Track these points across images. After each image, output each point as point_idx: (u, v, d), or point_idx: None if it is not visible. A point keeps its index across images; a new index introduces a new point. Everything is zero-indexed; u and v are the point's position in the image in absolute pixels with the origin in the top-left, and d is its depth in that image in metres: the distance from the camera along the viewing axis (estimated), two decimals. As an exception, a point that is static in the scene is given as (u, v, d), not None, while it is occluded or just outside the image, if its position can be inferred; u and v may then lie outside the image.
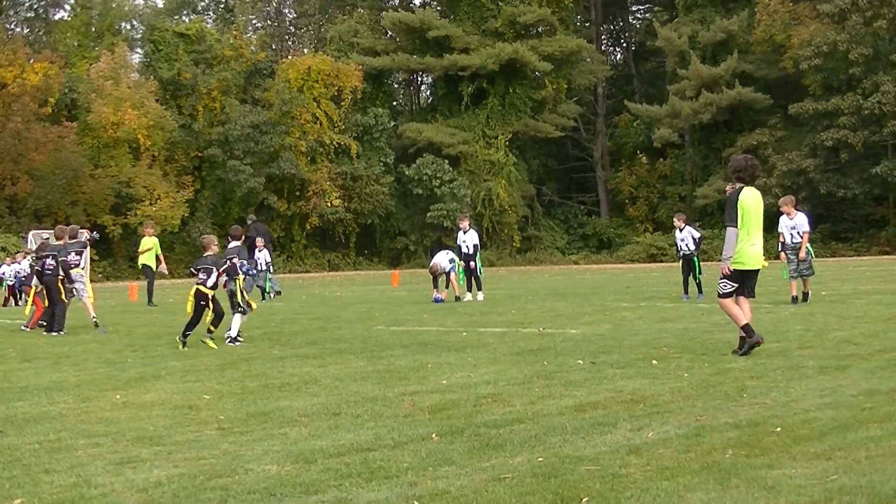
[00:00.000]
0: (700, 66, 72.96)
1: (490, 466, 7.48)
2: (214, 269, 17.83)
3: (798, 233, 23.11)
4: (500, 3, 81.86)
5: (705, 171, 76.29)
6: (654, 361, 13.14)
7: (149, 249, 33.26)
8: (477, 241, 29.11)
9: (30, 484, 7.34)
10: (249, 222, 36.74)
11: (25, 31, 77.23)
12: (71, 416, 10.37)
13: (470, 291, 28.77)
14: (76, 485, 7.25)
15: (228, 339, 17.39)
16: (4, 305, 36.06)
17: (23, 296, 31.67)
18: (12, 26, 76.84)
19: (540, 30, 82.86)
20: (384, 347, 15.99)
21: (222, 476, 7.40)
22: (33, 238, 40.19)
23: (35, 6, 79.09)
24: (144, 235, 34.13)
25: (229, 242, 18.44)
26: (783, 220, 23.53)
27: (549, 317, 21.39)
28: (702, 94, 72.38)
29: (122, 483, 7.27)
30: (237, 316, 17.71)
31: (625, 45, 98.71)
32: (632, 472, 7.14)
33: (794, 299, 22.56)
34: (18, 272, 34.33)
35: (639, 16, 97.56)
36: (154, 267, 33.31)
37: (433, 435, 8.66)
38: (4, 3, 77.03)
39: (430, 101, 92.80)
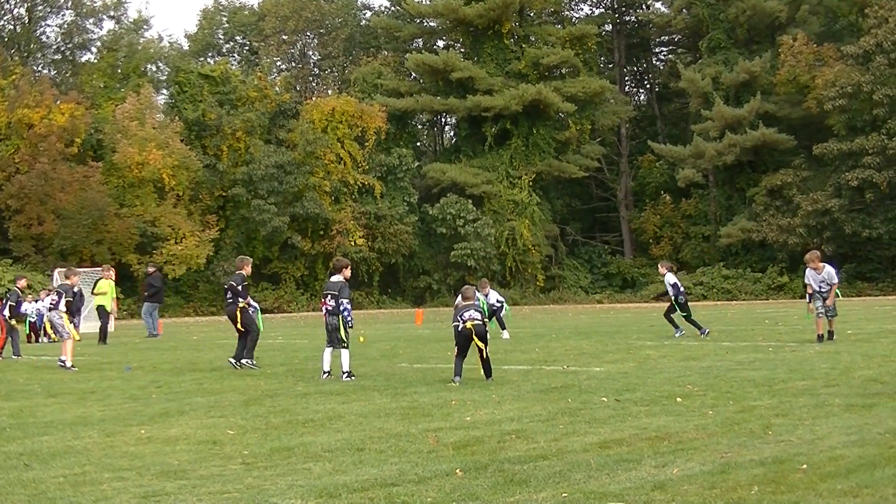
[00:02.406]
0: (723, 107, 72.91)
1: (514, 502, 7.46)
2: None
3: (827, 284, 23.01)
4: (523, 45, 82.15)
5: (729, 211, 76.07)
6: (678, 399, 13.09)
7: (103, 293, 34.08)
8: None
9: (55, 517, 7.36)
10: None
11: (52, 72, 77.82)
12: (96, 450, 10.38)
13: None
14: (101, 518, 7.27)
15: (345, 375, 17.50)
16: (28, 342, 36.20)
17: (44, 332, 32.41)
18: (40, 68, 77.47)
19: (563, 71, 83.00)
20: (408, 384, 15.98)
21: (246, 510, 7.41)
22: (59, 276, 40.41)
23: (62, 48, 79.67)
24: (102, 279, 34.60)
25: (331, 276, 18.50)
26: (810, 273, 23.32)
27: (573, 355, 21.34)
28: (725, 135, 72.26)
29: (147, 516, 7.28)
30: (344, 352, 17.85)
31: (648, 86, 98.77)
32: (657, 508, 7.11)
33: (820, 338, 22.45)
34: (40, 309, 34.59)
35: (662, 57, 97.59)
36: (109, 309, 34.06)
37: (457, 470, 8.64)
38: (32, 45, 77.66)
39: (453, 141, 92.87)
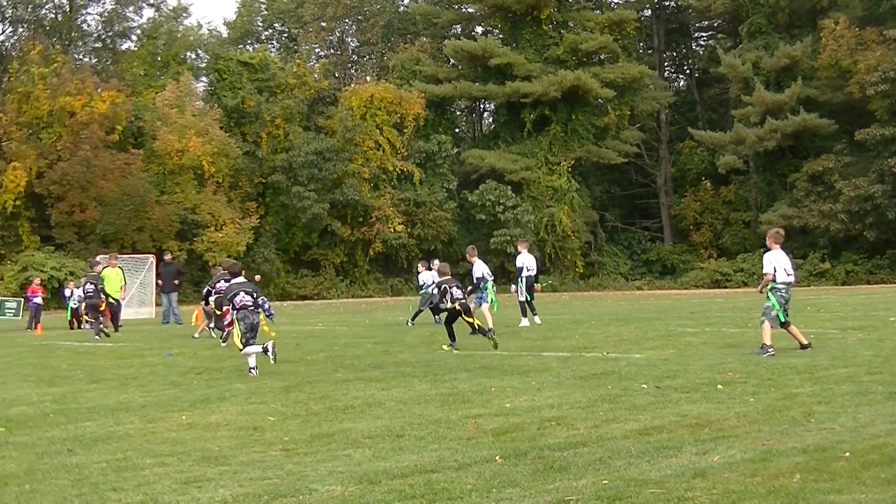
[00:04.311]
0: (764, 92, 72.41)
1: (554, 489, 7.44)
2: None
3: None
4: (561, 31, 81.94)
5: (770, 198, 75.61)
6: (719, 386, 13.03)
7: (110, 282, 33.95)
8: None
9: (97, 502, 7.40)
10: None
11: (93, 60, 78.15)
12: (137, 436, 10.45)
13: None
14: (143, 503, 7.31)
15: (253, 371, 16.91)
16: (71, 328, 36.50)
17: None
18: (81, 56, 77.81)
19: (602, 57, 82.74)
20: (447, 371, 15.97)
21: (287, 496, 7.42)
22: (102, 262, 40.63)
23: (103, 37, 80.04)
24: (108, 267, 34.44)
25: (235, 277, 18.12)
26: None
27: (612, 342, 21.28)
28: (766, 121, 71.78)
29: (188, 502, 7.31)
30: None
31: (688, 71, 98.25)
32: (697, 496, 7.08)
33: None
34: (81, 296, 34.89)
35: (702, 42, 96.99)
36: (117, 297, 33.91)
37: (497, 457, 8.64)
38: (73, 33, 78.04)
39: (492, 127, 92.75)
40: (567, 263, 78.88)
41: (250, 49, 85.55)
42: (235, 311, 17.06)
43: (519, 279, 28.55)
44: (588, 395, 12.63)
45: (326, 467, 8.45)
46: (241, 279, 17.94)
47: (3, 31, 75.88)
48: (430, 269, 32.23)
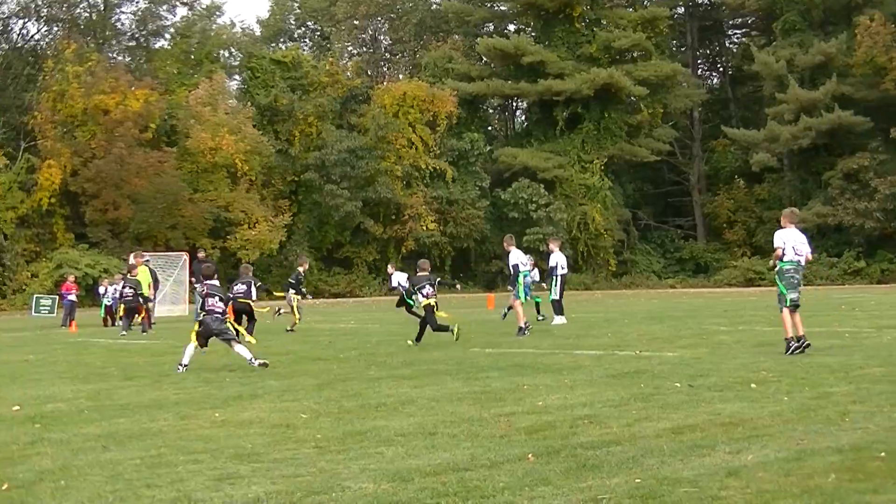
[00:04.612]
0: (798, 89, 72.10)
1: (587, 487, 7.42)
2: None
3: None
4: (594, 29, 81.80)
5: (804, 196, 75.23)
6: (752, 385, 12.97)
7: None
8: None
9: (132, 498, 7.43)
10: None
11: (127, 59, 78.58)
12: (171, 433, 10.48)
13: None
14: (177, 500, 7.32)
15: (183, 368, 17.15)
16: (105, 325, 36.68)
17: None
18: (115, 55, 78.23)
19: (635, 55, 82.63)
20: (480, 369, 15.95)
21: (319, 493, 7.42)
22: (133, 259, 40.88)
23: (136, 35, 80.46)
24: (136, 266, 34.64)
25: (207, 280, 18.47)
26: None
27: (645, 340, 21.21)
28: (800, 118, 71.46)
29: (222, 499, 7.32)
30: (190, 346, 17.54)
31: (721, 69, 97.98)
32: (731, 495, 7.04)
33: None
34: (115, 293, 35.19)
35: (735, 40, 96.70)
36: (146, 294, 33.92)
37: (529, 455, 8.62)
38: (107, 32, 78.45)
39: (524, 125, 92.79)
40: (600, 262, 78.76)
41: (283, 47, 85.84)
42: (203, 313, 17.52)
43: (553, 277, 28.47)
44: (621, 393, 12.59)
45: (359, 465, 8.46)
46: (215, 282, 18.27)
47: (39, 30, 76.48)
48: (401, 270, 33.33)
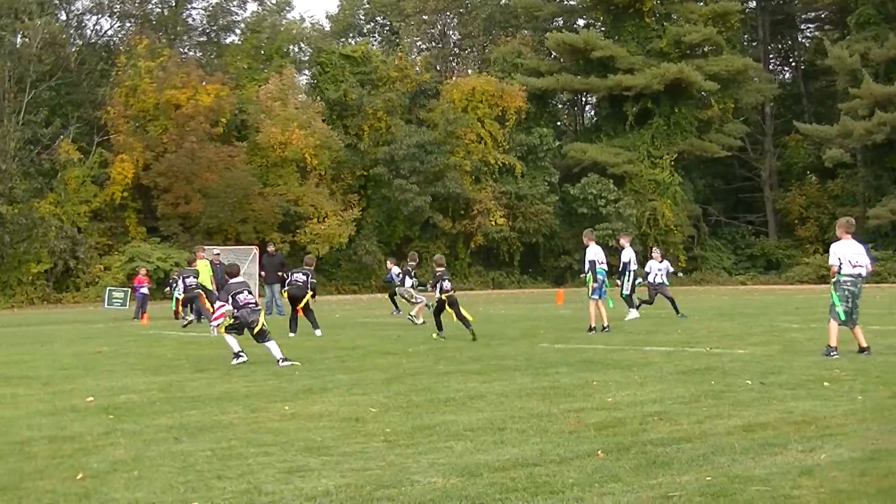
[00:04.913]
0: (873, 84, 71.14)
1: (657, 484, 7.39)
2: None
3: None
4: (664, 24, 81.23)
5: (878, 192, 74.29)
6: (825, 383, 12.84)
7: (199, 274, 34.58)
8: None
9: (203, 489, 7.49)
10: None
11: (198, 54, 79.08)
12: (241, 425, 10.56)
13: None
14: (247, 491, 7.37)
15: (239, 357, 17.84)
16: (176, 318, 37.01)
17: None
18: (186, 50, 78.81)
19: (706, 49, 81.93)
20: (549, 365, 15.92)
21: (388, 487, 7.44)
22: (206, 254, 41.27)
23: (207, 30, 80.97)
24: (196, 259, 34.93)
25: (231, 278, 18.98)
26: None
27: (715, 337, 21.07)
28: (875, 114, 70.50)
29: (291, 491, 7.36)
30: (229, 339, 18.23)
31: (793, 63, 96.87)
32: (804, 494, 6.98)
33: None
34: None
35: (808, 34, 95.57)
36: (208, 288, 34.25)
37: (599, 452, 8.59)
38: (179, 28, 79.08)
39: (594, 120, 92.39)
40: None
41: (352, 42, 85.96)
42: (237, 309, 17.82)
43: (627, 273, 28.37)
44: (691, 390, 12.52)
45: (428, 459, 8.47)
46: (239, 279, 18.90)
47: (112, 26, 77.20)
48: (397, 264, 34.90)
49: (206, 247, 42.17)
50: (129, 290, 45.77)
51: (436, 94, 78.38)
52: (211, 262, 35.55)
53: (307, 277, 25.30)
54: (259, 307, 18.40)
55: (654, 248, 32.14)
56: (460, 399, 12.23)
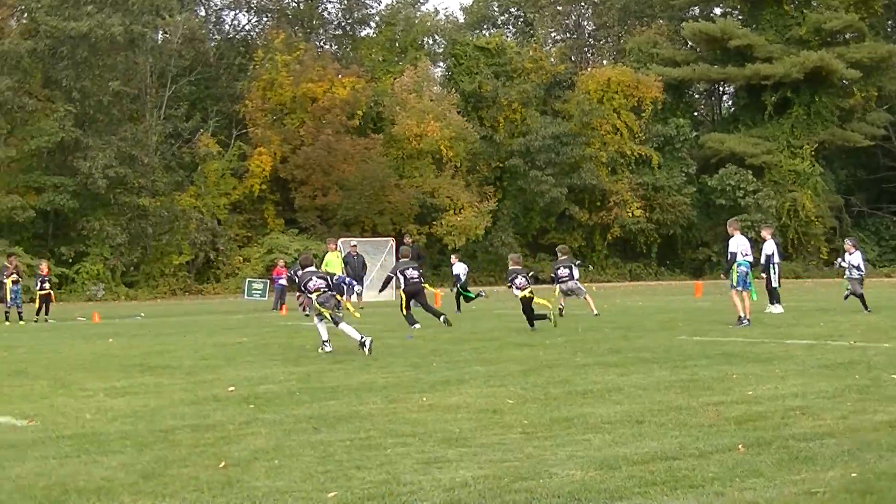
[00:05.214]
0: None
1: (800, 480, 7.25)
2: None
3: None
4: (804, 11, 79.79)
5: None
6: (977, 378, 12.50)
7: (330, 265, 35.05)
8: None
9: (342, 479, 7.55)
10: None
11: (334, 47, 79.90)
12: (379, 416, 10.62)
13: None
14: (386, 482, 7.41)
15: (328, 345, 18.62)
16: (304, 311, 37.45)
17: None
18: (322, 44, 79.68)
19: (847, 36, 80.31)
20: (687, 357, 15.75)
21: (526, 479, 7.42)
22: (342, 245, 41.73)
23: (343, 24, 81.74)
24: (328, 252, 35.55)
25: (305, 268, 19.55)
26: None
27: (860, 330, 20.62)
28: None
29: (430, 482, 7.38)
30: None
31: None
32: (956, 493, 6.79)
33: None
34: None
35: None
36: None
37: (739, 446, 8.47)
38: (315, 21, 79.96)
39: (731, 110, 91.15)
40: (811, 249, 76.94)
41: (487, 34, 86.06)
42: (313, 295, 18.67)
43: (771, 265, 27.92)
44: (834, 384, 12.26)
45: (566, 451, 8.43)
46: (312, 268, 19.55)
47: (249, 21, 78.47)
48: (461, 261, 35.61)
49: (343, 238, 42.76)
50: (268, 281, 46.44)
51: (571, 85, 78.13)
52: (348, 254, 36.02)
53: (419, 272, 26.15)
54: (330, 291, 18.96)
55: (846, 240, 31.19)
56: (598, 391, 12.16)
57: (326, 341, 18.48)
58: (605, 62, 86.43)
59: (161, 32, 67.76)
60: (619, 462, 7.93)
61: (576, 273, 29.20)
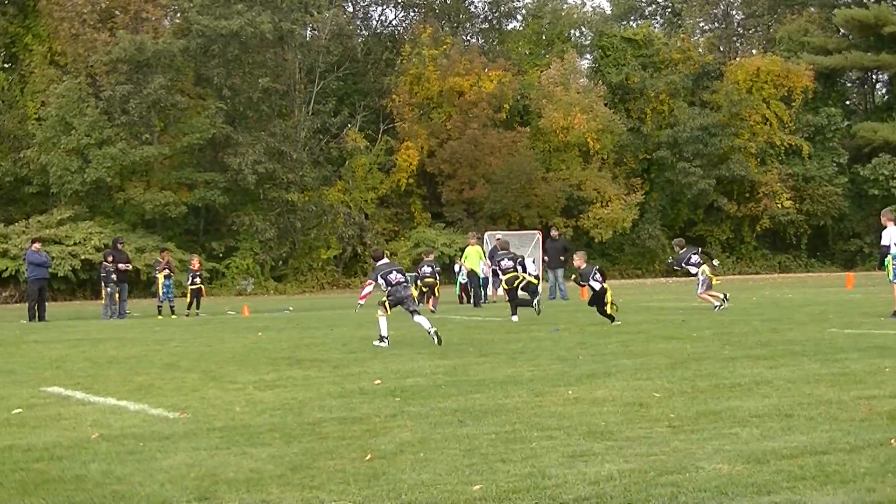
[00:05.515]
0: None
1: (955, 475, 7.09)
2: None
3: None
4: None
5: None
6: None
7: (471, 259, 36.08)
8: None
9: (487, 472, 7.58)
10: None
11: (480, 41, 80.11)
12: (525, 409, 10.63)
13: None
14: (531, 475, 7.42)
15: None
16: (461, 302, 37.65)
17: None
18: (468, 37, 79.95)
19: None
20: (838, 350, 15.46)
21: (673, 473, 7.37)
22: (489, 239, 41.92)
23: (489, 17, 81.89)
24: (468, 245, 36.61)
25: (378, 260, 20.30)
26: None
27: None
28: None
29: (575, 475, 7.37)
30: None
31: None
32: None
33: None
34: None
35: None
36: (480, 272, 35.01)
37: (892, 440, 8.30)
38: (461, 15, 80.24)
39: (885, 98, 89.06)
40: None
41: (634, 25, 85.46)
42: (390, 287, 19.27)
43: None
44: None
45: (713, 445, 8.36)
46: (385, 260, 20.12)
47: (396, 16, 79.05)
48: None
49: (489, 231, 42.99)
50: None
51: (719, 75, 77.22)
52: (494, 247, 36.13)
53: (515, 261, 26.28)
54: (409, 284, 20.08)
55: None
56: (746, 384, 12.00)
57: (385, 337, 18.93)
58: (754, 51, 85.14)
59: (309, 29, 68.69)
60: (767, 456, 7.83)
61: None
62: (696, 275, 27.68)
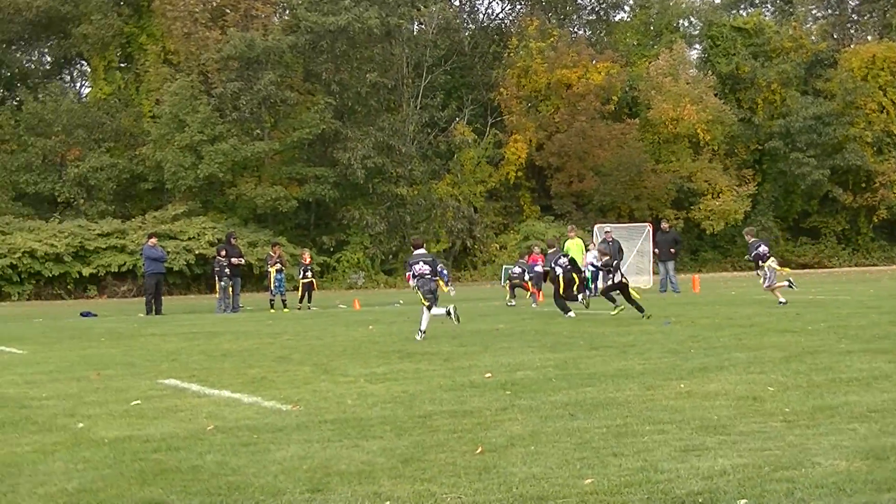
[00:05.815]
0: None
1: None
2: None
3: None
4: None
5: None
6: None
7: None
8: None
9: (599, 465, 7.50)
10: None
11: (587, 33, 79.77)
12: (636, 402, 10.51)
13: None
14: (642, 469, 7.33)
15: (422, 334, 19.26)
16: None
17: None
18: (575, 29, 79.64)
19: None
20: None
21: (788, 468, 7.22)
22: (598, 232, 41.75)
23: (596, 9, 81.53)
24: (569, 239, 36.61)
25: (416, 249, 20.87)
26: None
27: None
28: None
29: (687, 469, 7.26)
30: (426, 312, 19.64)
31: None
32: None
33: None
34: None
35: None
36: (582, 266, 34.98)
37: None
38: (568, 7, 79.96)
39: None
40: None
41: (744, 14, 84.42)
42: (416, 279, 19.86)
43: None
44: None
45: (829, 440, 8.17)
46: (421, 251, 20.62)
47: (503, 9, 79.03)
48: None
49: (598, 224, 42.85)
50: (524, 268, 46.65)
51: (833, 63, 76.01)
52: (603, 240, 35.96)
53: (570, 261, 27.04)
54: (433, 277, 20.05)
55: None
56: (864, 379, 11.74)
57: (423, 331, 19.19)
58: (869, 38, 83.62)
59: (416, 23, 68.93)
60: (887, 452, 7.64)
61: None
62: (761, 267, 26.76)
